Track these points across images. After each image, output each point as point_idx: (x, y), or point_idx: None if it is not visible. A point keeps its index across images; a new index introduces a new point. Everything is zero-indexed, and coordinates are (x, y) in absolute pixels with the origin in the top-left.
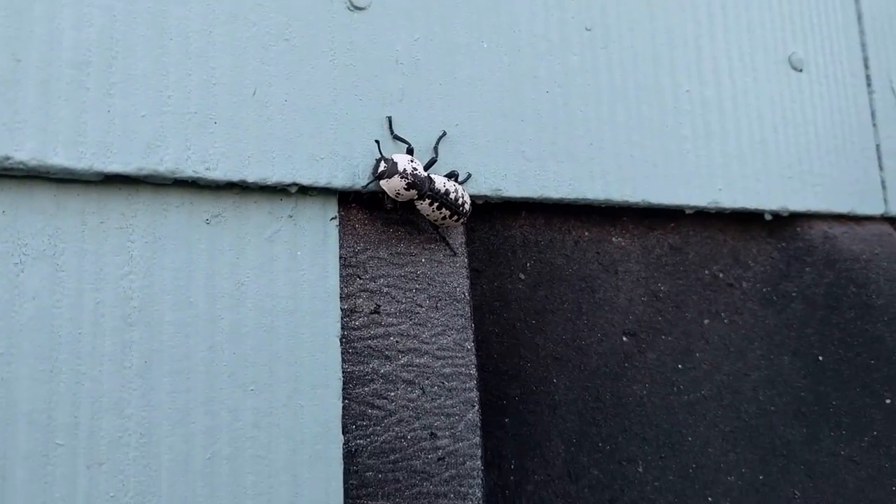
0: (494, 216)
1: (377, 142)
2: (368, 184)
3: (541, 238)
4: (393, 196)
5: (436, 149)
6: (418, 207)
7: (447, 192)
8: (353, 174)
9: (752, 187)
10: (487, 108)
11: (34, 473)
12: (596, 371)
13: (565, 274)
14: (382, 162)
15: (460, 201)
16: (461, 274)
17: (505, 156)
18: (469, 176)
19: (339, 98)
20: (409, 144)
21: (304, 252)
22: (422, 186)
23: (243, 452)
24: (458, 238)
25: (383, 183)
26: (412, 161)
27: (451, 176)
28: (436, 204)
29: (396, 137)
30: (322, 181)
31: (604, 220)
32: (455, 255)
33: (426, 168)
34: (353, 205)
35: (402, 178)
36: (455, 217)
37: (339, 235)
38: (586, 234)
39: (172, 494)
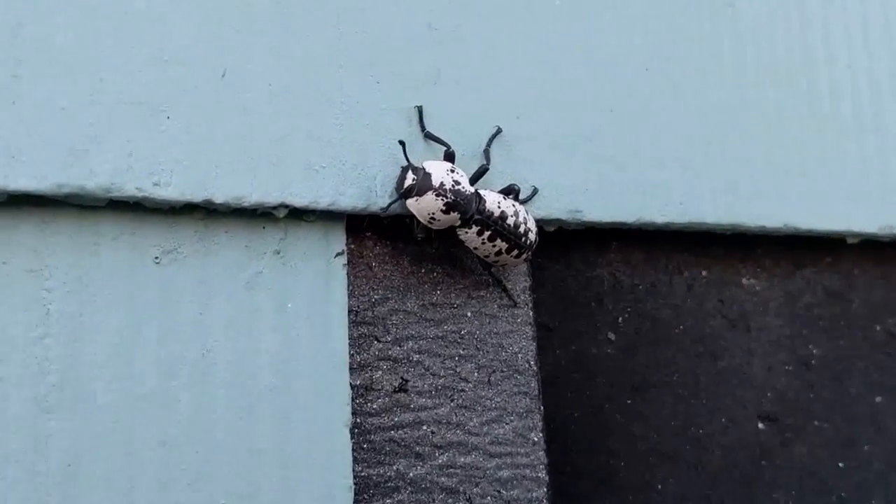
0: (572, 250)
1: (402, 143)
2: (391, 204)
3: (639, 280)
4: (426, 222)
5: (487, 153)
6: (462, 238)
7: (503, 216)
8: (367, 190)
9: None
10: (560, 94)
11: None
12: (720, 472)
13: (674, 332)
14: (410, 173)
15: (522, 228)
16: (524, 333)
17: (586, 163)
18: (535, 192)
19: (348, 81)
20: (449, 147)
21: (297, 303)
22: (467, 207)
23: None
24: (519, 282)
25: (412, 203)
26: (453, 171)
27: (510, 192)
28: (487, 233)
29: (429, 136)
30: (323, 201)
31: (729, 254)
32: (515, 305)
33: (473, 181)
34: (369, 234)
35: (438, 195)
36: (515, 251)
37: (349, 279)
38: (704, 274)
39: None
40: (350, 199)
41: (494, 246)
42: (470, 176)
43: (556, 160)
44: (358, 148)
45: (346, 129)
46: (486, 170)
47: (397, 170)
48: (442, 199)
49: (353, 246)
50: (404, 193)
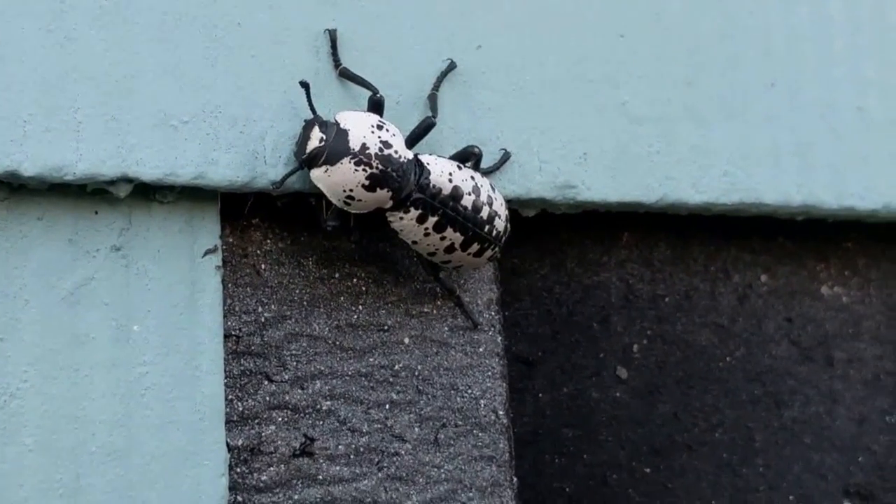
0: (563, 244)
1: (305, 85)
2: (287, 176)
3: (664, 289)
4: (340, 203)
5: (433, 100)
6: (395, 227)
7: (457, 195)
8: (253, 157)
9: None
10: (546, 11)
11: None
12: None
13: (717, 367)
14: (317, 129)
15: (485, 212)
16: (489, 370)
17: (584, 112)
18: (506, 157)
19: None
20: (376, 91)
21: (147, 325)
22: (402, 181)
23: None
24: (482, 293)
25: (319, 175)
26: (381, 127)
27: (467, 159)
28: (433, 219)
29: (346, 75)
30: (185, 172)
31: (802, 249)
32: (476, 327)
33: (411, 142)
34: (256, 222)
35: (358, 163)
36: (475, 247)
37: (226, 288)
38: (763, 279)
39: None
40: (226, 168)
41: (444, 239)
42: (407, 135)
43: (537, 109)
44: (239, 93)
45: (221, 65)
46: (432, 125)
47: (298, 126)
48: (364, 169)
49: (231, 239)
50: (308, 160)
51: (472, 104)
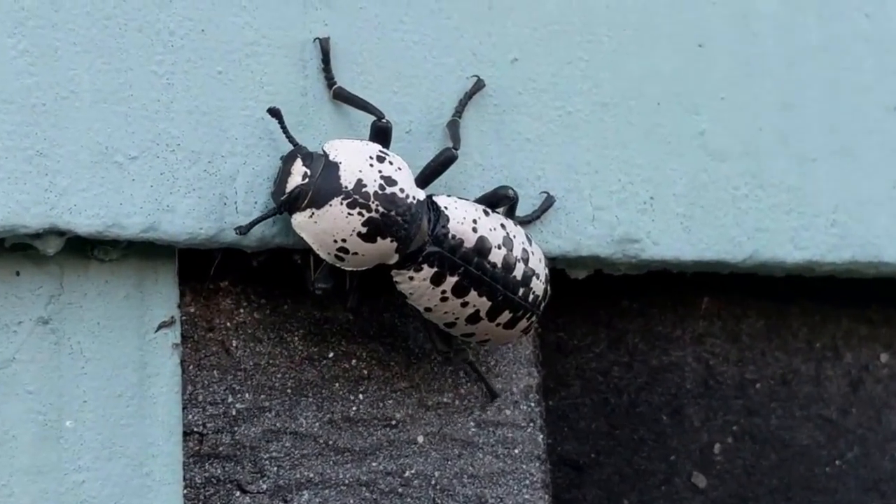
0: (624, 313)
1: (275, 113)
2: (259, 220)
3: (754, 372)
4: (330, 258)
5: (454, 126)
6: (403, 289)
7: (483, 248)
8: (220, 201)
9: None
10: (602, 14)
11: None
12: None
13: (822, 473)
14: (300, 163)
15: (519, 271)
16: (527, 477)
17: (651, 145)
18: (549, 203)
19: None
20: (380, 116)
21: (83, 418)
22: (409, 228)
23: None
24: (518, 376)
25: (302, 222)
26: (382, 160)
27: (498, 203)
28: (452, 279)
29: (342, 96)
30: (132, 223)
31: None
32: (493, 398)
33: (425, 180)
34: (225, 285)
35: (353, 204)
36: (507, 316)
37: (186, 372)
38: (883, 359)
39: None
40: (186, 217)
41: (466, 305)
42: (419, 171)
43: (589, 141)
44: (203, 120)
45: (180, 84)
46: (453, 158)
47: (276, 163)
48: (360, 213)
49: (193, 308)
50: (288, 202)
51: (506, 134)
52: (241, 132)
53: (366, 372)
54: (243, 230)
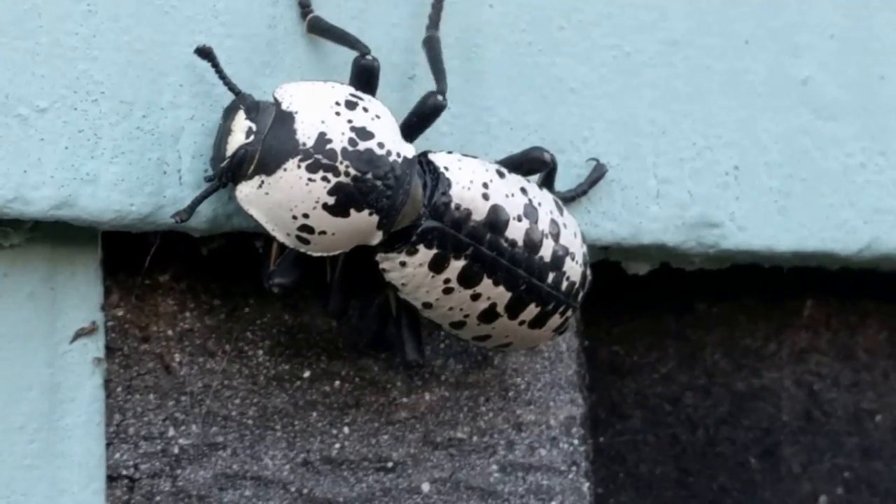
0: (700, 321)
1: (204, 53)
2: (200, 200)
3: (873, 399)
4: (291, 241)
5: (433, 45)
6: (393, 278)
7: (498, 220)
8: (158, 168)
9: None
10: None
11: None
12: None
13: None
14: (242, 115)
15: (546, 250)
16: None
17: (735, 96)
18: (599, 172)
19: None
20: (364, 50)
21: None
22: (394, 196)
23: None
24: (556, 403)
25: (248, 193)
26: (353, 105)
27: (531, 170)
28: (457, 263)
29: (317, 27)
30: (42, 196)
31: None
32: (408, 367)
33: (412, 129)
34: (166, 280)
35: (313, 166)
36: (532, 310)
37: (111, 396)
38: None
39: None
40: (112, 190)
41: (478, 298)
42: (404, 117)
43: (651, 89)
44: (134, 61)
45: (104, 14)
46: (440, 107)
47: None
48: (324, 178)
49: (122, 311)
50: (229, 170)
51: (542, 81)
52: (186, 77)
53: (353, 397)
54: (182, 216)
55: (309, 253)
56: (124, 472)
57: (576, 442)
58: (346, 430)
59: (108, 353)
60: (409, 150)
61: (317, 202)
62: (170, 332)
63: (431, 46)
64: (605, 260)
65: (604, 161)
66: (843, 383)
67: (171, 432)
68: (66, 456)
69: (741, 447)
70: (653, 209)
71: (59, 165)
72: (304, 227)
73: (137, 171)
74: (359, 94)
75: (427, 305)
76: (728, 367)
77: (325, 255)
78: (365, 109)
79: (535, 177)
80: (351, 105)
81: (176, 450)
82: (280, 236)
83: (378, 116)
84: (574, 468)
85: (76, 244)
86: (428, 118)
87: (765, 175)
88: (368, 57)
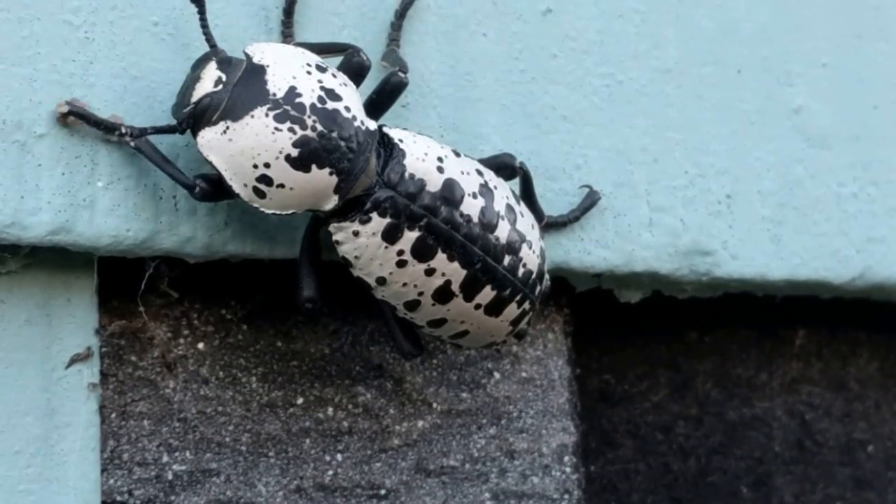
0: (691, 350)
1: None
2: (152, 132)
3: (865, 429)
4: (247, 193)
5: (392, 54)
6: (345, 250)
7: (453, 194)
8: (154, 192)
9: None
10: None
11: None
12: None
13: None
14: (213, 66)
15: (502, 232)
16: None
17: (727, 124)
18: (592, 199)
19: None
20: (352, 49)
21: None
22: (355, 159)
23: None
24: (548, 431)
25: (210, 139)
26: (323, 69)
27: (505, 171)
28: (411, 234)
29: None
30: (38, 224)
31: None
32: (406, 357)
33: (376, 105)
34: (160, 305)
35: (281, 116)
36: (488, 293)
37: (106, 422)
38: None
39: None
40: (109, 216)
41: (432, 273)
42: (368, 96)
43: (644, 115)
44: (130, 87)
45: (101, 41)
46: (402, 84)
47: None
48: (290, 129)
49: (117, 337)
50: (192, 115)
51: (535, 109)
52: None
53: (346, 424)
54: (134, 132)
55: (262, 210)
56: (119, 498)
57: (568, 470)
58: (339, 457)
59: (102, 379)
60: (372, 124)
61: (280, 152)
62: (164, 359)
63: (391, 55)
64: (597, 288)
65: (597, 188)
66: (835, 413)
67: (165, 458)
68: (62, 481)
69: (733, 476)
70: (645, 237)
71: (56, 191)
72: (262, 178)
73: (134, 197)
74: (328, 66)
75: (381, 281)
76: (720, 396)
77: (277, 213)
78: (334, 76)
79: (516, 188)
80: (321, 69)
81: (170, 476)
82: (237, 186)
83: (346, 85)
84: (567, 496)
85: (72, 270)
86: (390, 96)
87: (758, 203)
88: (361, 54)
